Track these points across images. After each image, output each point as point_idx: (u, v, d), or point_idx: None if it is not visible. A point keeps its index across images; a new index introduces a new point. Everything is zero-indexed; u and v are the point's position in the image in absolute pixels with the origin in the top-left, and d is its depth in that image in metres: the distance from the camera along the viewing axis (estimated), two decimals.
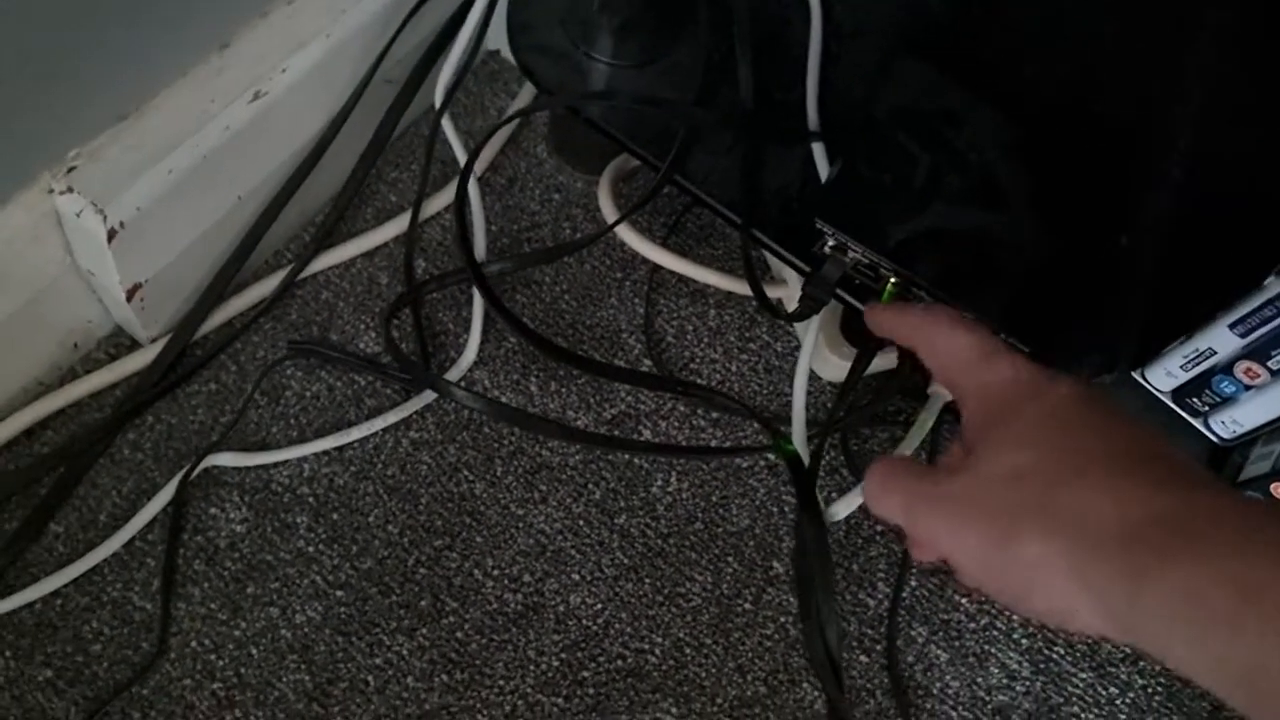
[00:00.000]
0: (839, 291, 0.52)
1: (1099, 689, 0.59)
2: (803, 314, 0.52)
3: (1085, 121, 0.57)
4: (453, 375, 0.60)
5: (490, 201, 0.66)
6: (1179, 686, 0.59)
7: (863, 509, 0.55)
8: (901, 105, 0.54)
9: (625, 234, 0.61)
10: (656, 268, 0.65)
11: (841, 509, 0.49)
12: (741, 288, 0.63)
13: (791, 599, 0.59)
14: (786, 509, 0.61)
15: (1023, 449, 0.34)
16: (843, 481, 0.61)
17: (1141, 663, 0.60)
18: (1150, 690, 0.59)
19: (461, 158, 0.62)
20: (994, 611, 0.60)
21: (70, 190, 0.51)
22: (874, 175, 0.53)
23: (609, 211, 0.61)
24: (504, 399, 0.61)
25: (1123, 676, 0.59)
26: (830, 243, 0.51)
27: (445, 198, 0.65)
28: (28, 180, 0.51)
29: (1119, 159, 0.57)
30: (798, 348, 0.64)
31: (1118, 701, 0.59)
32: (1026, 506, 0.33)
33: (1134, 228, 0.55)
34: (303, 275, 0.61)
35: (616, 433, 0.61)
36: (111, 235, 0.51)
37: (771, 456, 0.61)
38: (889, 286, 0.51)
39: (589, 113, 0.55)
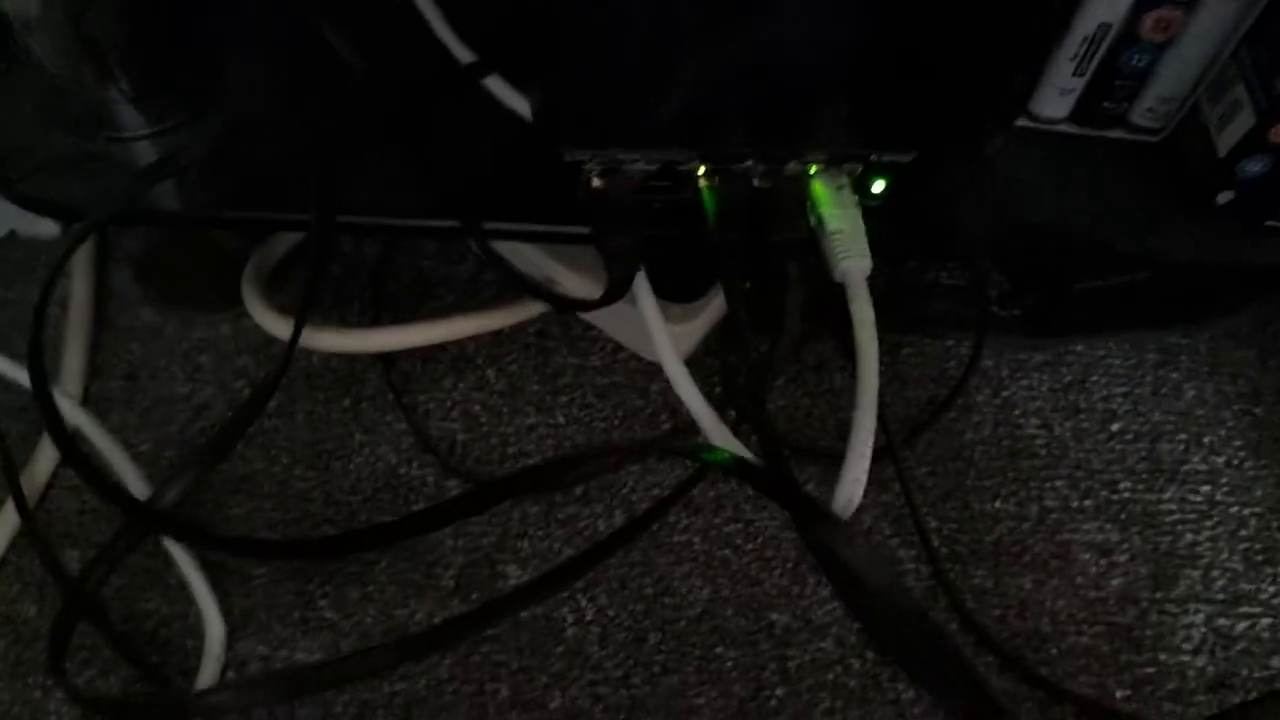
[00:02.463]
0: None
1: (1188, 499, 0.45)
2: (621, 280, 0.34)
3: None
4: (209, 670, 0.38)
5: (119, 418, 0.44)
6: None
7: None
8: None
9: (321, 340, 0.41)
10: (390, 361, 0.45)
11: (851, 493, 0.31)
12: (502, 320, 0.45)
13: (822, 645, 0.41)
14: (739, 540, 0.43)
15: None
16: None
17: None
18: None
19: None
20: (1035, 494, 0.45)
21: None
22: (587, 66, 0.36)
23: (280, 328, 0.41)
24: (299, 654, 0.39)
25: (1201, 467, 0.46)
26: (596, 170, 0.34)
27: (52, 452, 0.42)
28: None
29: None
30: (618, 348, 0.47)
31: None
32: None
33: None
34: None
35: (475, 595, 0.41)
36: None
37: (695, 494, 0.43)
38: (702, 183, 0.34)
39: (163, 207, 0.35)
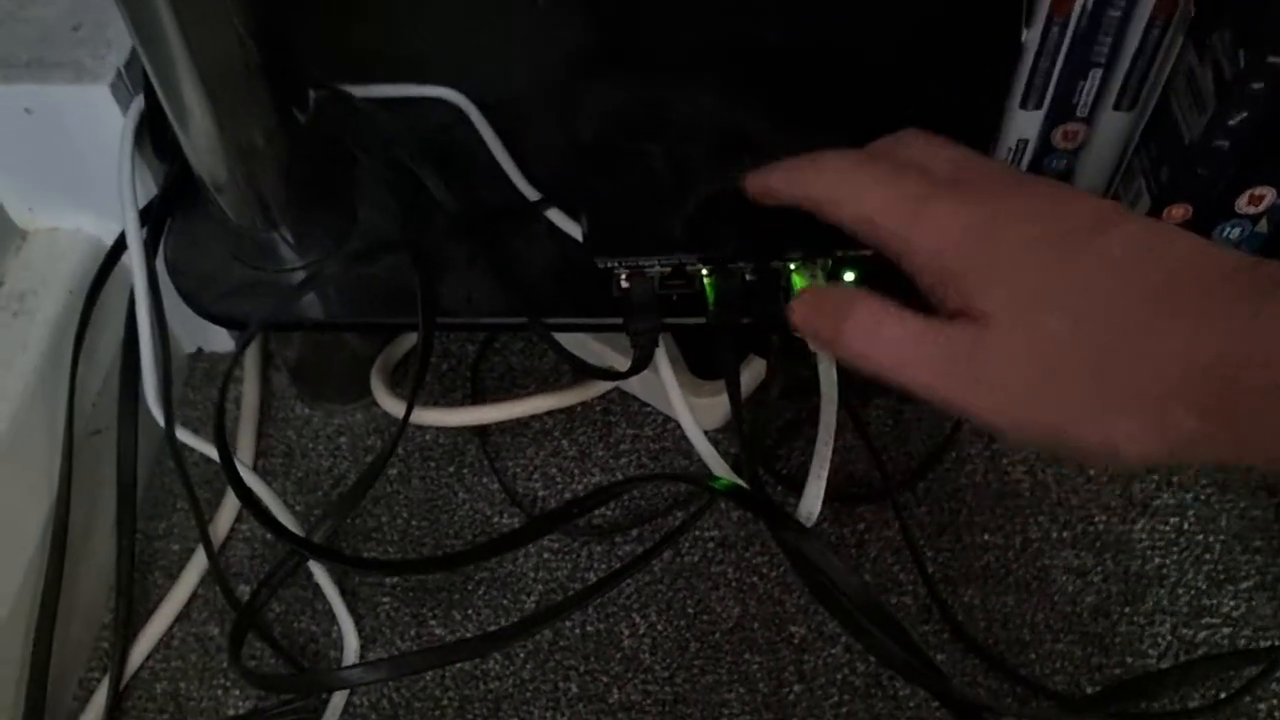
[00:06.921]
0: (666, 320, 0.46)
1: (1158, 529, 0.53)
2: (643, 356, 0.45)
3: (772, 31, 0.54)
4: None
5: (279, 485, 0.56)
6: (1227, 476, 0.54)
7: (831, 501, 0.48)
8: (601, 125, 0.49)
9: (428, 417, 0.53)
10: (485, 435, 0.57)
11: (811, 505, 0.41)
12: (571, 398, 0.56)
13: (832, 651, 0.50)
14: (765, 569, 0.52)
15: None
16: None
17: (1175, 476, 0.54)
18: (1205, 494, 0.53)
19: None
20: (1019, 528, 0.53)
21: None
22: (622, 196, 0.48)
23: (399, 412, 0.53)
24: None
25: (1171, 501, 0.53)
26: (623, 274, 0.45)
27: (230, 511, 0.55)
28: None
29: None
30: (667, 420, 0.57)
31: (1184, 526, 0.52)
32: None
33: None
34: (124, 684, 0.50)
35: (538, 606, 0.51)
36: None
37: (717, 532, 0.53)
38: (706, 280, 0.45)
39: (313, 318, 0.48)
